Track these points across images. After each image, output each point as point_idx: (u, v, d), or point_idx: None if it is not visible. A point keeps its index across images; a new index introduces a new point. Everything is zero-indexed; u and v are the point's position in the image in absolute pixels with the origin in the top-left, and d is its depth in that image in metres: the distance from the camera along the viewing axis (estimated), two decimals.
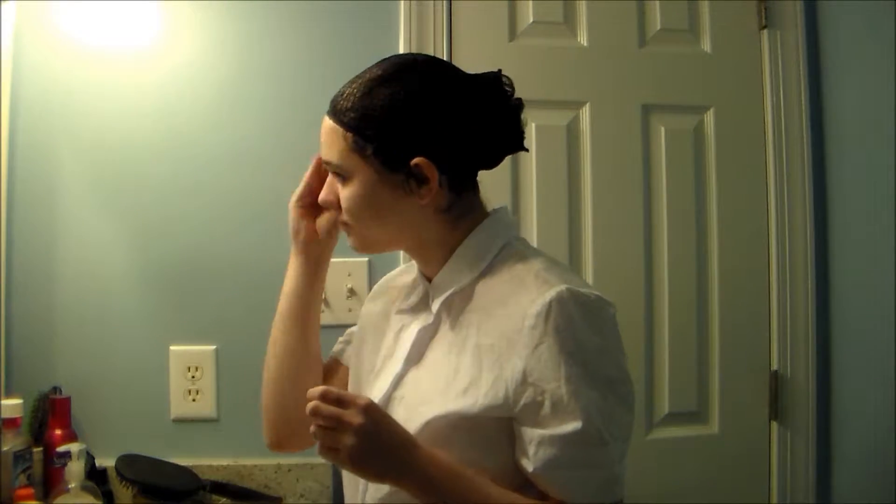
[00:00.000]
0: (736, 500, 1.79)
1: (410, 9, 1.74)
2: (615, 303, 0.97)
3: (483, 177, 1.05)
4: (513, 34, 1.81)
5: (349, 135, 0.97)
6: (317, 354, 1.16)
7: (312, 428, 0.89)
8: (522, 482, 0.93)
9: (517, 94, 1.02)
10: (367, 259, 1.70)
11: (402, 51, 1.71)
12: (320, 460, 0.90)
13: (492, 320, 0.96)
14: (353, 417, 0.87)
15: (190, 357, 1.69)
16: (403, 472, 0.91)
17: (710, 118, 1.87)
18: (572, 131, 1.81)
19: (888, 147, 1.84)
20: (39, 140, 1.67)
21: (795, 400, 1.83)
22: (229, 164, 1.71)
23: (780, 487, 1.82)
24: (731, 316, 1.84)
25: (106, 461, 1.55)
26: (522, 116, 1.03)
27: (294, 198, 1.11)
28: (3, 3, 1.57)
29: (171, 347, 1.68)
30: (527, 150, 1.06)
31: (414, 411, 0.97)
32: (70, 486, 1.35)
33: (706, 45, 1.87)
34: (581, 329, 0.92)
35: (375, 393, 1.03)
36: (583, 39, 1.83)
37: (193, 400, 1.68)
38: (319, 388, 0.89)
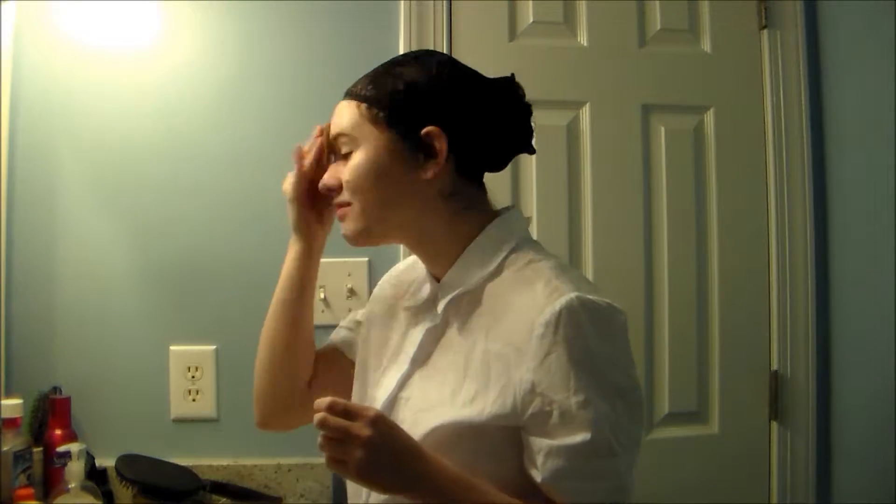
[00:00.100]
0: (736, 500, 1.79)
1: (410, 9, 1.74)
2: (614, 300, 0.96)
3: (485, 176, 1.05)
4: (513, 34, 1.81)
5: (362, 105, 0.99)
6: (309, 340, 1.16)
7: (319, 439, 0.87)
8: (527, 489, 0.92)
9: (513, 77, 1.04)
10: (367, 259, 1.70)
11: (401, 51, 1.71)
12: (320, 460, 0.89)
13: (500, 326, 0.95)
14: (361, 430, 0.86)
15: (190, 357, 1.69)
16: (412, 483, 0.89)
17: (710, 118, 1.87)
18: (572, 131, 1.81)
19: (888, 147, 1.84)
20: (39, 140, 1.67)
21: (795, 400, 1.83)
22: (229, 164, 1.71)
23: (780, 487, 1.82)
24: (731, 316, 1.84)
25: (106, 461, 1.55)
26: (533, 121, 1.04)
27: (291, 183, 1.09)
28: (3, 3, 1.57)
29: (171, 347, 1.68)
30: (534, 152, 1.07)
31: (419, 415, 0.97)
32: (70, 486, 1.35)
33: (706, 45, 1.87)
34: (591, 338, 0.91)
35: (381, 392, 1.03)
36: (583, 39, 1.83)
37: (193, 400, 1.68)
38: (326, 400, 0.87)
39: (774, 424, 1.84)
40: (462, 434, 0.93)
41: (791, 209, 1.84)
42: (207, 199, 1.70)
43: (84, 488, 1.36)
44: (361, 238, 1.02)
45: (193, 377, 1.68)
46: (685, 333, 1.84)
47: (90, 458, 1.51)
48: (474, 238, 1.01)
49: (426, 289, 1.05)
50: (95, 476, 1.51)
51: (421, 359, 1.02)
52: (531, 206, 1.77)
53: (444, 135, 0.97)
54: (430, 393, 0.98)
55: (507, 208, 1.05)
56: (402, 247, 1.58)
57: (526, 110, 1.03)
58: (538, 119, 1.07)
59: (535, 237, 1.07)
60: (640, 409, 0.95)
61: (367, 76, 1.02)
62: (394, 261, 1.28)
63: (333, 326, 1.24)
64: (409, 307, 1.07)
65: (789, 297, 1.84)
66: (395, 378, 1.02)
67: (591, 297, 0.92)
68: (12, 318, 1.64)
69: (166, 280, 1.69)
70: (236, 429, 1.68)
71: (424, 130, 0.97)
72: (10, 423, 1.46)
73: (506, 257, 1.00)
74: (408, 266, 1.16)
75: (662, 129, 1.85)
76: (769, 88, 1.85)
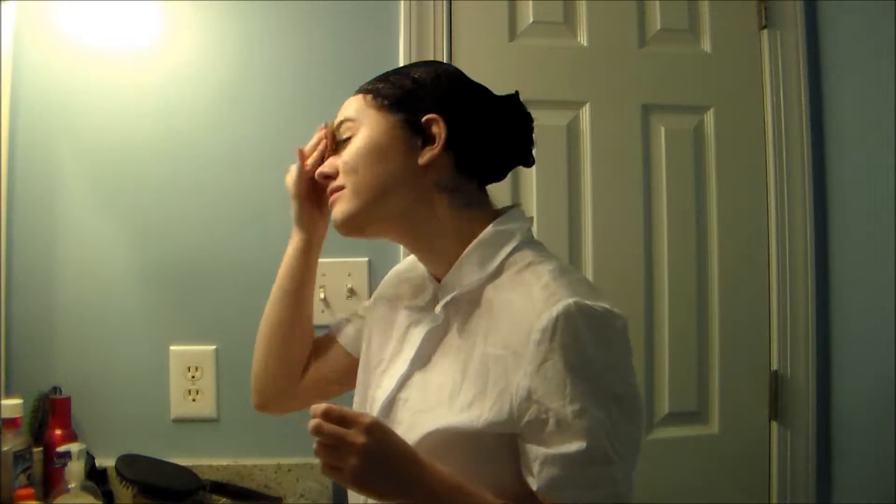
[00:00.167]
0: (736, 500, 1.79)
1: (410, 9, 1.74)
2: (615, 302, 0.95)
3: None
4: (513, 34, 1.80)
5: (368, 96, 1.02)
6: (308, 328, 1.18)
7: (315, 446, 0.87)
8: (524, 494, 0.92)
9: (517, 94, 1.05)
10: (367, 259, 1.69)
11: (401, 51, 1.72)
12: None
13: (499, 330, 0.94)
14: (356, 437, 0.86)
15: (190, 357, 1.69)
16: (407, 490, 0.89)
17: (710, 118, 1.87)
18: (572, 131, 1.81)
19: (888, 147, 1.84)
20: (39, 140, 1.67)
21: (795, 400, 1.83)
22: (229, 164, 1.71)
23: (780, 487, 1.82)
24: (731, 316, 1.85)
25: (106, 461, 1.55)
26: (534, 136, 1.06)
27: (293, 179, 1.12)
28: (3, 3, 1.57)
29: (171, 347, 1.68)
30: (533, 164, 1.07)
31: (417, 417, 0.97)
32: (70, 486, 1.35)
33: (706, 45, 1.87)
34: (588, 345, 0.90)
35: (381, 393, 1.03)
36: (583, 39, 1.83)
37: (193, 400, 1.68)
38: (322, 406, 0.86)
39: (774, 424, 1.84)
40: (458, 439, 0.93)
41: (791, 209, 1.84)
42: (207, 199, 1.70)
43: (84, 488, 1.36)
44: (350, 222, 1.01)
45: (193, 377, 1.68)
46: (685, 333, 1.84)
47: (90, 458, 1.51)
48: (475, 238, 1.00)
49: (426, 289, 1.05)
50: (95, 476, 1.51)
51: (421, 360, 1.01)
52: (531, 206, 1.76)
53: (444, 123, 0.99)
54: (428, 394, 0.98)
55: (510, 207, 1.05)
56: (402, 247, 1.58)
57: (527, 120, 1.05)
58: (538, 119, 1.07)
59: (535, 237, 1.06)
60: (638, 414, 0.94)
61: (377, 76, 1.05)
62: (394, 261, 1.29)
63: None
64: (410, 307, 1.07)
65: (789, 297, 1.84)
66: (394, 378, 1.02)
67: (588, 302, 0.91)
68: (12, 318, 1.64)
69: (166, 280, 1.69)
70: (236, 429, 1.68)
71: (425, 117, 0.99)
72: (10, 423, 1.46)
73: (506, 258, 0.99)
74: (409, 266, 1.16)
75: (662, 129, 1.85)
76: (769, 88, 1.85)
